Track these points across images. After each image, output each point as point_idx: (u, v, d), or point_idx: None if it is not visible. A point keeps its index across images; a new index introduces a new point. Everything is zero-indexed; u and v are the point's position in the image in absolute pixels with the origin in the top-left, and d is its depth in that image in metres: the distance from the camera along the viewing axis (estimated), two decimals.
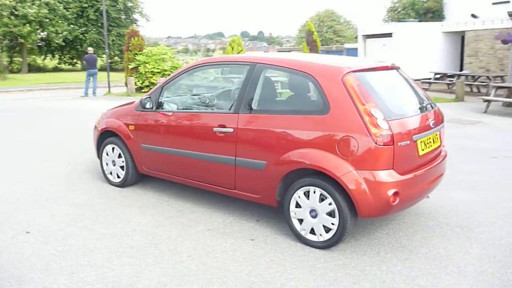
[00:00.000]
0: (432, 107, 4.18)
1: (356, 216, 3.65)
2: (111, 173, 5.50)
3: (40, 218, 4.47)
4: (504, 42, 13.62)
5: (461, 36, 22.98)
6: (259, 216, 4.48)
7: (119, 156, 5.32)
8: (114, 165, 5.42)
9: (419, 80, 15.97)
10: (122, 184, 5.39)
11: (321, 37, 51.06)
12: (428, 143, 3.91)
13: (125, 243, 3.89)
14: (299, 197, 3.81)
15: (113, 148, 5.38)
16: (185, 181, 4.79)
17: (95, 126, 5.72)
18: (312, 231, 3.78)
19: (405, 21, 23.15)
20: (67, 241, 3.94)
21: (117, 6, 35.24)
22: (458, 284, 3.21)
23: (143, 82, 17.50)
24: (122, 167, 5.34)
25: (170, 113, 4.75)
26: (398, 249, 3.77)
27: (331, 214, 3.66)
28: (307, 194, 3.77)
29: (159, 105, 4.88)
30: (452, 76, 19.21)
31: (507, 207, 4.75)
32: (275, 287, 3.18)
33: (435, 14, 24.45)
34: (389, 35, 22.22)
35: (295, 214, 3.86)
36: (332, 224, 3.65)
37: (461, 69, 21.93)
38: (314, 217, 3.75)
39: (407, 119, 3.76)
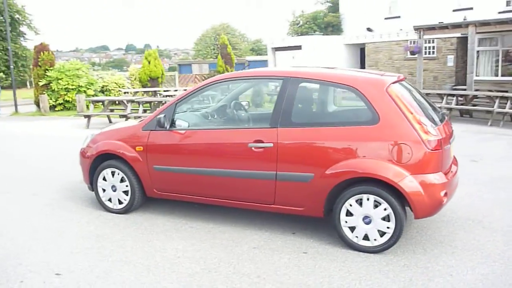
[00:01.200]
0: (445, 116, 4.60)
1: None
2: (110, 200, 5.05)
3: (59, 256, 3.96)
4: (412, 53, 15.25)
5: (359, 48, 25.17)
6: (294, 229, 4.50)
7: (122, 181, 4.92)
8: (114, 190, 4.99)
9: None
10: (126, 210, 4.99)
11: (217, 50, 51.91)
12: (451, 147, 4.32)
13: (181, 272, 3.64)
14: (350, 205, 3.93)
15: (113, 173, 4.95)
16: (207, 201, 4.62)
17: (83, 151, 5.22)
18: (366, 237, 3.93)
19: (311, 35, 24.62)
20: (113, 277, 3.55)
21: (1, 17, 31.86)
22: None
23: (57, 100, 16.12)
24: (125, 192, 4.94)
25: (192, 131, 4.55)
26: (439, 245, 4.09)
27: (385, 218, 3.84)
28: (359, 202, 3.90)
29: (173, 123, 4.64)
30: None
31: None
32: None
33: (334, 28, 26.37)
34: (298, 47, 23.47)
35: (346, 222, 3.97)
36: (388, 228, 3.84)
37: None
38: (368, 223, 3.90)
39: (440, 126, 4.11)
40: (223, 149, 4.40)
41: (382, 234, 3.88)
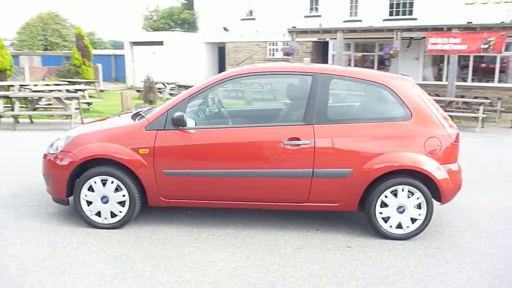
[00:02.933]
0: None
1: None
2: (98, 214, 4.25)
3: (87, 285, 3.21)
4: (287, 54, 16.28)
5: (217, 47, 25.68)
6: (317, 226, 4.50)
7: (117, 190, 4.19)
8: (105, 202, 4.21)
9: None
10: (122, 224, 4.27)
11: (46, 41, 46.45)
12: None
13: (259, 284, 3.34)
14: (386, 197, 4.14)
15: (103, 181, 4.17)
16: (228, 204, 4.31)
17: (55, 157, 4.26)
18: (399, 226, 4.20)
19: (173, 31, 24.08)
20: None
21: None
22: None
23: None
24: (121, 203, 4.22)
25: (212, 130, 4.15)
26: (453, 228, 4.60)
27: (417, 206, 4.17)
28: (394, 193, 4.14)
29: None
30: None
31: None
32: (449, 279, 3.50)
33: (190, 25, 26.31)
34: (160, 43, 22.72)
35: (381, 213, 4.17)
36: (419, 215, 4.17)
37: None
38: (401, 212, 4.17)
39: None
40: (252, 148, 4.13)
41: (414, 221, 4.19)
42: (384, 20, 20.52)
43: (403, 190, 4.13)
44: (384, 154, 4.08)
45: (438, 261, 3.79)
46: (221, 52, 25.61)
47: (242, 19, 24.15)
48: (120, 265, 3.55)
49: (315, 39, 20.76)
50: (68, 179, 4.21)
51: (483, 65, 17.48)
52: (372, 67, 18.73)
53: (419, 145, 4.10)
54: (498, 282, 3.44)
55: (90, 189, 4.21)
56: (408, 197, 4.14)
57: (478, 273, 3.59)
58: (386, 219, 4.19)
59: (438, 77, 18.06)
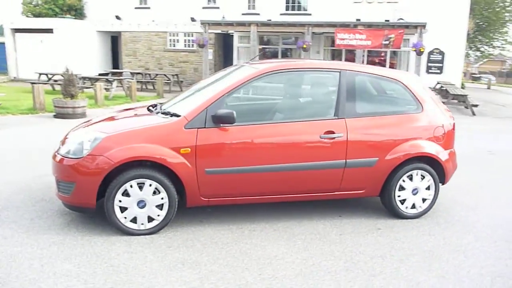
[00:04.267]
0: None
1: None
2: (133, 220, 3.98)
3: None
4: (201, 46, 16.12)
5: (110, 36, 24.22)
6: (337, 213, 4.81)
7: (155, 193, 3.97)
8: (142, 206, 3.96)
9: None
10: (160, 229, 4.07)
11: None
12: None
13: (318, 276, 3.54)
14: (403, 181, 4.62)
15: (140, 185, 3.92)
16: (266, 199, 4.37)
17: (82, 162, 3.86)
18: (413, 206, 4.72)
19: (63, 17, 21.96)
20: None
21: None
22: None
23: None
24: (158, 206, 4.02)
25: (253, 126, 4.15)
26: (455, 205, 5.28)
27: (427, 188, 4.73)
28: (409, 177, 4.65)
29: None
30: (116, 73, 20.26)
31: None
32: (477, 247, 4.10)
33: (77, 12, 24.33)
34: (49, 30, 20.62)
35: (399, 196, 4.65)
36: (429, 195, 4.75)
37: (116, 67, 23.32)
38: (415, 194, 4.70)
39: None
40: (291, 143, 4.25)
41: (424, 201, 4.75)
42: (281, 14, 21.52)
43: (417, 174, 4.65)
44: (403, 143, 4.54)
45: (456, 233, 4.40)
46: (115, 42, 24.22)
47: (136, 8, 23.12)
48: (195, 270, 3.43)
49: (219, 31, 20.88)
50: (100, 185, 3.86)
51: (376, 60, 19.46)
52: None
53: (429, 134, 4.65)
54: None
55: (125, 194, 3.91)
56: (421, 180, 4.68)
57: (493, 239, 4.28)
58: (402, 201, 4.68)
59: None
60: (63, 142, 4.23)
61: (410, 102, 4.71)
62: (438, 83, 19.19)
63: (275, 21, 16.08)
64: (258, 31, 15.92)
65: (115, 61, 24.32)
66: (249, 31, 17.73)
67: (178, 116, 4.14)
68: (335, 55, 19.52)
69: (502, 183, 6.31)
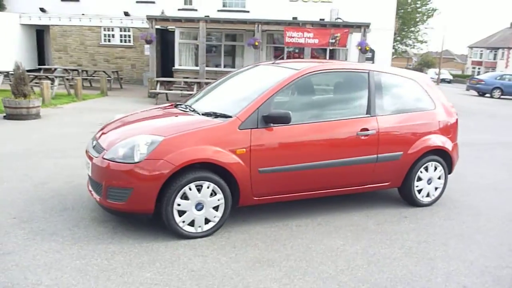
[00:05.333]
0: None
1: None
2: (191, 223, 3.94)
3: None
4: (149, 42, 15.59)
5: (36, 30, 22.48)
6: (361, 205, 5.12)
7: (212, 195, 3.97)
8: (200, 209, 3.94)
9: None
10: (214, 231, 4.06)
11: None
12: None
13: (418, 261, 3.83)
14: (421, 172, 5.06)
15: (199, 187, 3.89)
16: (308, 195, 4.54)
17: (139, 166, 3.73)
18: (428, 195, 5.18)
19: None
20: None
21: None
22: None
23: None
24: (215, 208, 4.02)
25: (300, 125, 4.28)
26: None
27: (439, 177, 5.22)
28: (425, 168, 5.09)
29: None
30: (46, 70, 18.97)
31: None
32: (491, 229, 4.63)
33: None
34: None
35: (417, 186, 5.08)
36: (440, 184, 5.24)
37: (43, 63, 21.75)
38: (429, 183, 5.16)
39: None
40: (335, 140, 4.47)
41: (436, 189, 5.23)
42: (218, 10, 21.51)
43: (432, 165, 5.11)
44: (422, 138, 4.97)
45: (469, 216, 4.93)
46: (40, 36, 22.48)
47: (62, 0, 21.68)
48: (275, 268, 3.51)
49: (158, 27, 20.31)
50: (159, 190, 3.77)
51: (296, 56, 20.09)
52: (220, 56, 19.56)
53: (441, 128, 5.14)
54: None
55: (185, 197, 3.86)
56: (434, 170, 5.15)
57: (506, 222, 4.86)
58: (419, 191, 5.11)
59: None
60: (106, 147, 4.01)
61: (425, 100, 5.15)
62: None
63: (226, 18, 16.09)
64: (193, 28, 15.79)
65: (41, 56, 22.60)
66: (191, 28, 17.54)
67: (226, 116, 4.14)
68: (271, 52, 19.90)
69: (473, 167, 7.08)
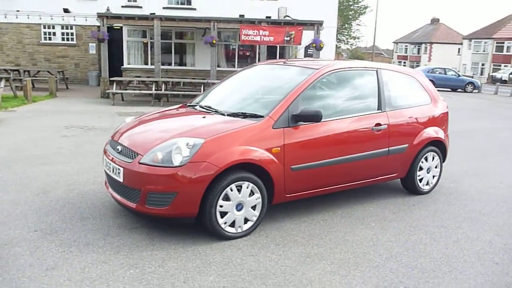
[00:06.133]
0: None
1: None
2: (232, 224, 3.96)
3: None
4: (101, 40, 14.92)
5: None
6: (368, 196, 5.39)
7: (251, 194, 4.01)
8: (240, 209, 3.97)
9: None
10: (252, 230, 4.11)
11: None
12: None
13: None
14: (422, 162, 5.43)
15: (238, 188, 3.92)
16: (331, 190, 4.70)
17: (182, 169, 3.68)
18: (427, 183, 5.57)
19: None
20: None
21: None
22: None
23: None
24: (253, 207, 4.06)
25: (324, 122, 4.42)
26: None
27: (436, 166, 5.62)
28: (425, 158, 5.47)
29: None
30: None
31: None
32: (491, 213, 5.10)
33: None
34: None
35: (419, 175, 5.45)
36: (437, 172, 5.64)
37: None
38: (428, 172, 5.55)
39: None
40: (354, 135, 4.67)
41: (433, 177, 5.63)
42: (164, 8, 21.16)
43: (430, 155, 5.49)
44: (423, 130, 5.33)
45: (468, 200, 5.37)
46: None
47: None
48: (327, 261, 3.64)
49: (99, 24, 19.50)
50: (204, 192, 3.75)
51: (241, 53, 20.26)
52: (171, 54, 19.18)
53: (437, 121, 5.54)
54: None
55: (226, 198, 3.87)
56: (432, 160, 5.54)
57: (500, 204, 5.36)
58: (420, 180, 5.48)
59: (231, 64, 20.03)
60: (140, 152, 3.89)
61: (423, 95, 5.51)
62: None
63: (181, 16, 15.80)
64: (142, 25, 15.44)
65: None
66: (143, 26, 17.09)
67: (257, 116, 4.19)
68: (222, 50, 19.86)
69: None
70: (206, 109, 4.68)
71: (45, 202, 4.75)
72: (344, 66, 4.89)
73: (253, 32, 15.34)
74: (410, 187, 5.48)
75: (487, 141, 9.91)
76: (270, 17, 19.46)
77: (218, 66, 18.65)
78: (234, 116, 4.31)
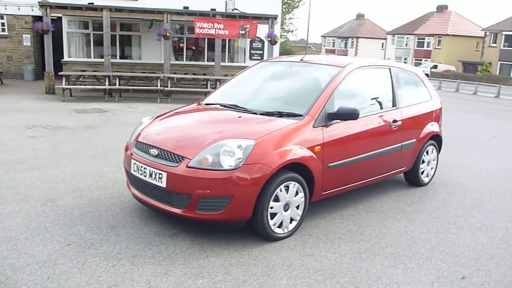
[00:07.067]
0: None
1: None
2: (280, 225, 3.93)
3: None
4: (45, 32, 13.78)
5: None
6: (375, 191, 5.60)
7: (296, 194, 4.00)
8: (287, 209, 3.95)
9: None
10: (296, 229, 4.11)
11: None
12: None
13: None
14: (424, 155, 5.73)
15: (286, 188, 3.90)
16: (355, 186, 4.82)
17: (238, 171, 3.57)
18: (427, 175, 5.89)
19: None
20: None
21: None
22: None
23: None
24: (297, 207, 4.06)
25: (359, 119, 4.47)
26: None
27: (434, 159, 5.97)
28: (426, 152, 5.78)
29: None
30: None
31: None
32: (491, 201, 5.52)
33: None
34: None
35: (422, 168, 5.74)
36: (435, 164, 5.99)
37: None
38: (428, 165, 5.86)
39: None
40: (378, 131, 4.81)
41: (431, 169, 5.97)
42: None
43: (430, 149, 5.82)
44: (426, 126, 5.63)
45: (464, 191, 5.77)
46: None
47: None
48: (381, 256, 3.74)
49: (35, 14, 18.08)
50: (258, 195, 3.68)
51: (193, 47, 19.92)
52: (115, 47, 18.26)
53: (435, 116, 5.87)
54: None
55: (276, 199, 3.82)
56: (431, 153, 5.87)
57: (493, 192, 5.81)
58: (422, 172, 5.79)
59: (180, 57, 19.50)
60: (186, 155, 3.71)
61: (425, 91, 5.81)
62: None
63: (131, 7, 15.01)
64: (84, 16, 14.62)
65: None
66: (87, 16, 16.08)
67: (295, 115, 4.17)
68: (168, 43, 19.32)
69: None
70: (233, 108, 4.56)
71: (58, 212, 4.38)
72: (365, 64, 5.00)
73: (208, 25, 15.08)
74: (413, 179, 5.76)
75: (445, 134, 10.63)
76: (215, 9, 19.20)
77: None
78: (268, 115, 4.25)
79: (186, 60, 18.99)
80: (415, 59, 53.80)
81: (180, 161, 3.71)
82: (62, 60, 17.30)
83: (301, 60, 5.19)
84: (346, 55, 66.99)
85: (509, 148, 9.04)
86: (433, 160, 5.94)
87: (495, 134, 10.88)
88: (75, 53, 17.79)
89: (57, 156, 6.55)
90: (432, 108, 5.82)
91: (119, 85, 13.76)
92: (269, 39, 15.73)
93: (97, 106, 12.12)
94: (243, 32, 15.37)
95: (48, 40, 14.15)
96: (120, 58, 18.37)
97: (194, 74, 16.71)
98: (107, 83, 13.52)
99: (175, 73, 15.76)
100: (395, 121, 5.02)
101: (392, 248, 3.93)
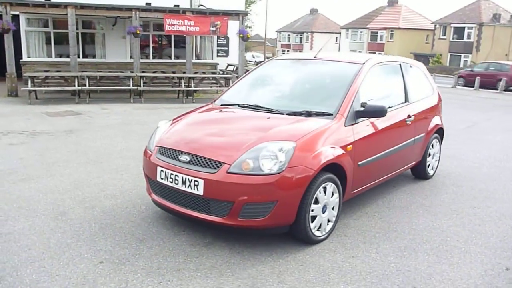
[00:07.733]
0: None
1: None
2: (319, 228, 3.85)
3: None
4: (6, 31, 12.86)
5: None
6: (384, 187, 5.64)
7: (332, 195, 3.93)
8: (324, 211, 3.87)
9: None
10: (332, 230, 4.04)
11: None
12: None
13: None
14: (430, 148, 5.83)
15: (324, 188, 3.81)
16: (378, 183, 4.81)
17: (283, 175, 3.45)
18: (432, 168, 6.00)
19: None
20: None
21: None
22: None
23: None
24: (332, 207, 3.99)
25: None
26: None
27: (437, 152, 6.08)
28: (432, 145, 5.88)
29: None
30: None
31: None
32: (491, 192, 5.70)
33: None
34: None
35: (428, 161, 5.84)
36: (438, 156, 6.11)
37: None
38: (433, 158, 5.98)
39: None
40: (397, 127, 4.83)
41: (436, 162, 6.09)
42: None
43: (435, 142, 5.93)
44: (431, 119, 5.72)
45: (469, 183, 5.92)
46: None
47: None
48: (423, 254, 3.75)
49: None
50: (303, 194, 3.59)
51: (157, 44, 19.40)
52: (78, 46, 17.43)
53: (438, 109, 5.98)
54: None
55: (316, 201, 3.73)
56: (436, 146, 5.98)
57: (494, 182, 6.00)
58: (428, 165, 5.89)
59: (144, 56, 18.89)
60: (225, 160, 3.53)
61: (428, 85, 5.90)
62: (228, 65, 21.07)
63: (97, 4, 14.30)
64: (45, 13, 13.88)
65: None
66: (41, 13, 15.20)
67: (324, 114, 4.09)
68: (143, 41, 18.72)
69: None
70: (255, 109, 4.41)
71: (75, 226, 4.07)
72: (381, 60, 4.98)
73: (178, 22, 14.69)
74: (420, 172, 5.84)
75: None
76: (178, 5, 18.78)
77: (130, 57, 17.52)
78: (295, 115, 4.14)
79: (152, 58, 18.47)
80: (369, 52, 55.18)
81: (218, 166, 3.53)
82: (21, 60, 16.35)
83: (315, 57, 5.10)
84: (302, 49, 67.72)
85: (487, 138, 9.40)
86: (437, 153, 6.05)
87: (469, 124, 11.29)
88: (35, 53, 16.86)
89: (48, 164, 6.13)
90: (435, 102, 5.93)
91: (89, 85, 13.14)
92: (241, 35, 15.58)
93: (69, 108, 11.51)
94: (214, 28, 15.12)
95: (8, 40, 13.27)
96: (83, 57, 17.60)
97: (162, 72, 16.25)
98: (76, 83, 12.87)
99: (143, 72, 15.25)
100: (409, 116, 5.06)
101: (428, 243, 3.94)
